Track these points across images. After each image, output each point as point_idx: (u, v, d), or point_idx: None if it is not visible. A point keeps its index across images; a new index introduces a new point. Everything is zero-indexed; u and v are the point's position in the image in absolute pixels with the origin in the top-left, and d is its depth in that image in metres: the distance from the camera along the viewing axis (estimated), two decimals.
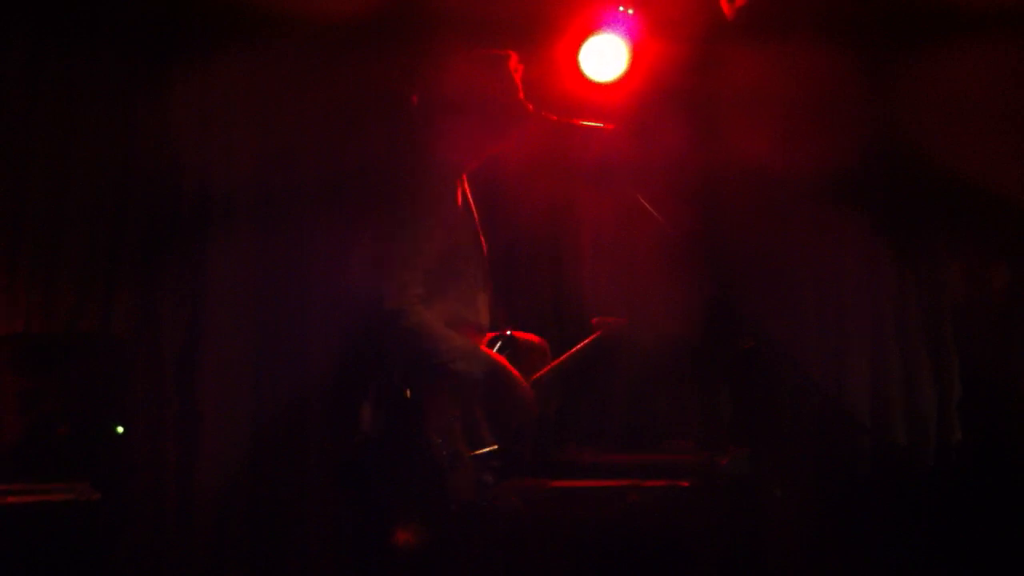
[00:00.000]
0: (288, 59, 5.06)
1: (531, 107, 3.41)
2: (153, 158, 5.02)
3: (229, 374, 4.98)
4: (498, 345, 3.44)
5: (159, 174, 5.01)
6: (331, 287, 4.82)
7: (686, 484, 3.89)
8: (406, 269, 3.10)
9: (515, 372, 3.24)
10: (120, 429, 4.49)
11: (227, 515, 4.90)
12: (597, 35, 4.88)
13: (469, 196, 3.41)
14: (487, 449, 3.19)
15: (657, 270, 4.77)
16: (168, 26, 5.05)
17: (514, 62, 3.44)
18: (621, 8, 4.86)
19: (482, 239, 3.41)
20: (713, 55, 4.95)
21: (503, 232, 4.94)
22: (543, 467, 3.92)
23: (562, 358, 3.55)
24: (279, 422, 4.95)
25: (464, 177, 3.39)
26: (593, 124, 3.56)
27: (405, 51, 4.84)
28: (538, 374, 3.43)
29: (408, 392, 3.11)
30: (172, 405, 4.91)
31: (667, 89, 4.96)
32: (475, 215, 3.42)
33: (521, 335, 3.53)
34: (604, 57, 4.88)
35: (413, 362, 3.12)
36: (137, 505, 4.72)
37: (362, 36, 5.01)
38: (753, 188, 4.98)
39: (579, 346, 3.60)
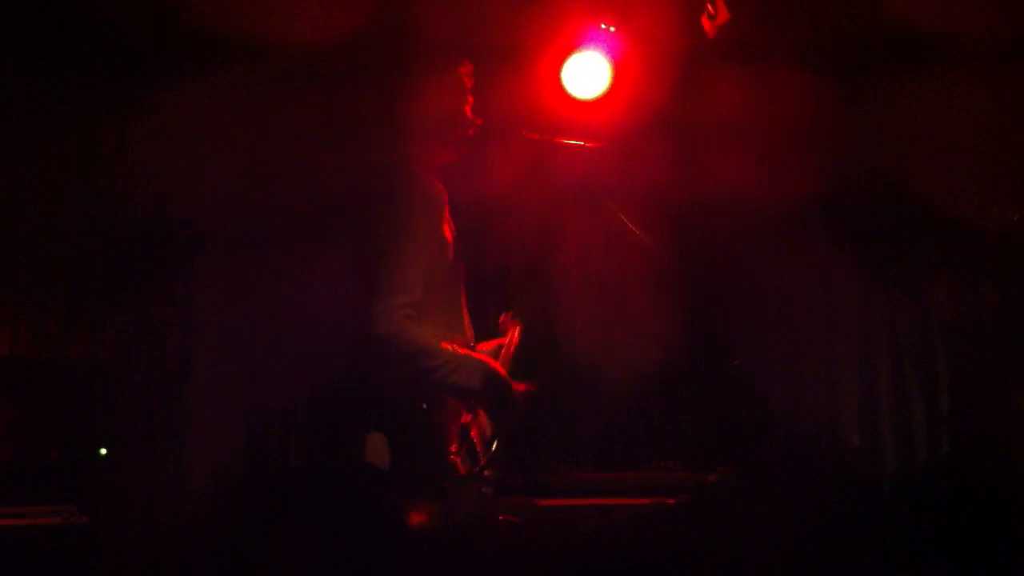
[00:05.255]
0: (268, 78, 5.04)
1: (477, 124, 3.39)
2: (141, 178, 5.00)
3: (218, 394, 4.98)
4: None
5: (144, 196, 5.00)
6: (319, 306, 4.81)
7: (672, 502, 3.89)
8: (394, 291, 3.09)
9: (507, 376, 3.23)
10: (104, 451, 4.48)
11: (218, 534, 4.88)
12: (579, 53, 4.88)
13: (448, 212, 3.39)
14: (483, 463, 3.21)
15: (643, 288, 4.78)
16: (141, 48, 5.03)
17: (465, 69, 3.43)
18: (603, 26, 4.86)
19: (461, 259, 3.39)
20: (695, 74, 4.97)
21: (487, 251, 4.96)
22: (529, 485, 3.92)
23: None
24: (270, 441, 4.93)
25: (445, 193, 3.38)
26: (576, 142, 3.57)
27: (384, 70, 4.84)
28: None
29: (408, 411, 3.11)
30: (162, 426, 4.89)
31: (650, 107, 4.97)
32: (455, 232, 3.40)
33: None
34: (586, 75, 4.87)
35: (410, 382, 3.11)
36: (125, 527, 4.70)
37: (344, 57, 5.01)
38: (739, 207, 5.00)
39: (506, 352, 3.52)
